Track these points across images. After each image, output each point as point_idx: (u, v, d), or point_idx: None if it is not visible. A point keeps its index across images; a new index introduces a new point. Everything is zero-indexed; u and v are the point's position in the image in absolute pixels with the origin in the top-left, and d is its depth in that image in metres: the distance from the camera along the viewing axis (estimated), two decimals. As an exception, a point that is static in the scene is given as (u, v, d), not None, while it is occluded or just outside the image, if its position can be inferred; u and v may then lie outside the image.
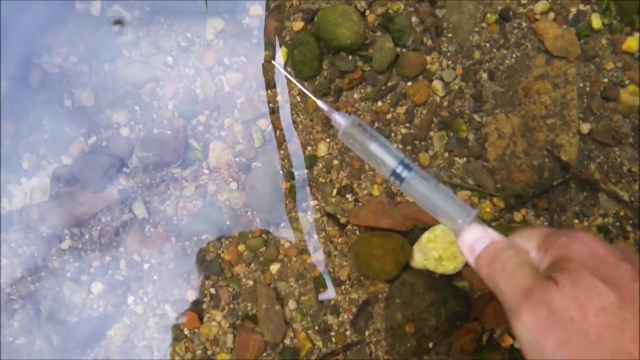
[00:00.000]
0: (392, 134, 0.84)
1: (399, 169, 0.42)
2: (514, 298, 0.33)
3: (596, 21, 0.84)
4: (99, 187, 0.84)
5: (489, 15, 0.85)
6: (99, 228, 0.84)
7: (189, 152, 0.85)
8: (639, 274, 0.31)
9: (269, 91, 0.86)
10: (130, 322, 0.82)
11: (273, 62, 0.58)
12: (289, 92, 0.86)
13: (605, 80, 0.83)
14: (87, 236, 0.84)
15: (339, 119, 0.45)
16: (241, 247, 0.83)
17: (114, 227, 0.84)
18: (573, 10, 0.85)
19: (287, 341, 0.80)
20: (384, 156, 0.43)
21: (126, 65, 0.87)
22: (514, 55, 0.85)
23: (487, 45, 0.85)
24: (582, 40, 0.84)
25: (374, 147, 0.44)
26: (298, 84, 0.52)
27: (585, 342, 0.29)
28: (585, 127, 0.82)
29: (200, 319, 0.81)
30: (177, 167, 0.85)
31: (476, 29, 0.85)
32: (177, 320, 0.82)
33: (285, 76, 0.82)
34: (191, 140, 0.86)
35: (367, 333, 0.79)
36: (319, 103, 0.46)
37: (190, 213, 0.84)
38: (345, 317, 0.80)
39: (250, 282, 0.82)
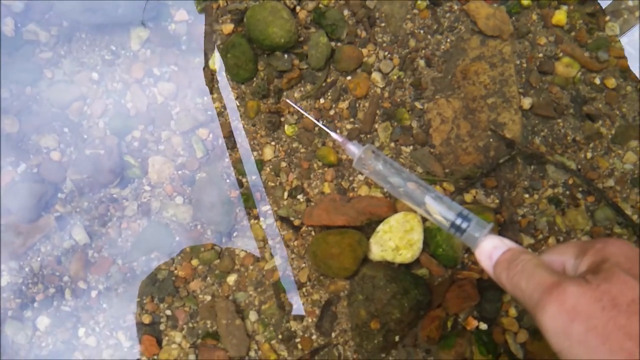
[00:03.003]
0: (338, 131, 0.83)
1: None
2: (537, 294, 0.35)
3: (524, -2, 0.85)
4: (34, 216, 0.80)
5: (419, 1, 0.84)
6: (39, 259, 0.79)
7: (127, 170, 0.81)
8: None
9: (206, 98, 0.83)
10: (83, 357, 0.77)
11: (286, 99, 0.61)
12: (227, 97, 0.83)
13: (540, 55, 0.84)
14: (26, 269, 0.79)
15: (353, 149, 0.47)
16: (195, 262, 0.80)
17: (55, 256, 0.79)
18: (501, -12, 0.86)
19: (252, 354, 0.77)
20: (393, 178, 0.46)
21: (50, 86, 0.83)
22: (448, 40, 0.84)
23: (421, 32, 0.85)
24: (513, 18, 0.85)
25: (381, 169, 0.47)
26: (312, 118, 0.55)
27: (613, 325, 0.31)
28: (526, 102, 0.82)
29: (159, 342, 0.77)
30: (115, 186, 0.81)
31: (408, 17, 0.85)
32: (134, 348, 0.77)
33: (298, 110, 0.79)
34: (127, 158, 0.81)
35: (333, 335, 0.77)
36: (333, 135, 0.48)
37: (136, 233, 0.80)
38: (310, 320, 0.78)
39: (208, 297, 0.79)
